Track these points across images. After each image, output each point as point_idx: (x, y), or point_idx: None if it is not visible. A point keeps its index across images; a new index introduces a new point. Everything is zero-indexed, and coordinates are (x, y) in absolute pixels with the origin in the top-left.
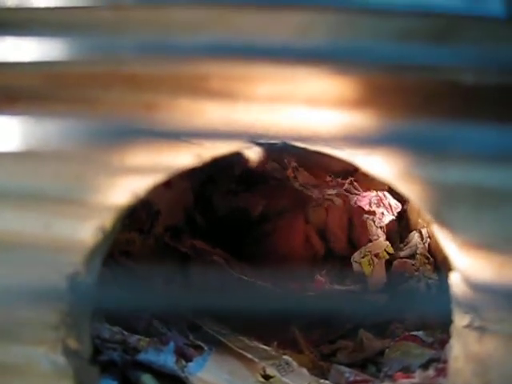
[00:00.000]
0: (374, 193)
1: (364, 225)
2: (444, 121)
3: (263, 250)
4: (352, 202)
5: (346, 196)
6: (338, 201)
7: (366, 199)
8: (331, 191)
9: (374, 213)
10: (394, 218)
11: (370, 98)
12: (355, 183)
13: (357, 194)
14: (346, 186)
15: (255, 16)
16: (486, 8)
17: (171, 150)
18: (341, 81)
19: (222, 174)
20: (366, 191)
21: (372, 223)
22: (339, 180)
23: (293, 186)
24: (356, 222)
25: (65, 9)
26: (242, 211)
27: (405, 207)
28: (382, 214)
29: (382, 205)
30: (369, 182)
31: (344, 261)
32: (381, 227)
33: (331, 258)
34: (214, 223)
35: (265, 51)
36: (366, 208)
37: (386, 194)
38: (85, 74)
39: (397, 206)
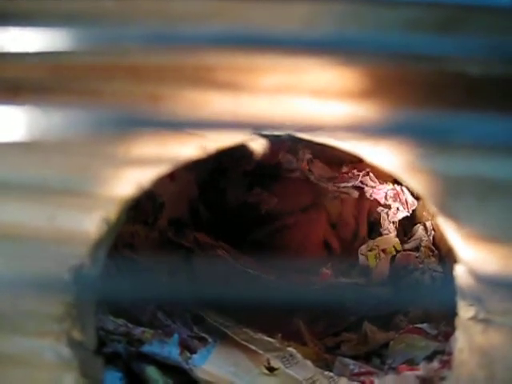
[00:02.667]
0: (390, 186)
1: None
2: (449, 112)
3: (280, 245)
4: (368, 195)
5: (362, 188)
6: (355, 193)
7: (382, 192)
8: (347, 183)
9: (389, 206)
10: (408, 214)
11: (375, 89)
12: (371, 174)
13: (373, 187)
14: (362, 177)
15: (261, 6)
16: None
17: (176, 141)
18: (346, 72)
19: (233, 165)
20: (382, 184)
21: (385, 217)
22: (355, 172)
23: (310, 180)
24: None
25: None
26: (252, 207)
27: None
28: (397, 209)
29: (398, 199)
30: (385, 174)
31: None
32: (393, 222)
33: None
34: (219, 215)
35: (270, 42)
36: (382, 201)
37: (404, 189)
38: (90, 65)
39: (413, 203)
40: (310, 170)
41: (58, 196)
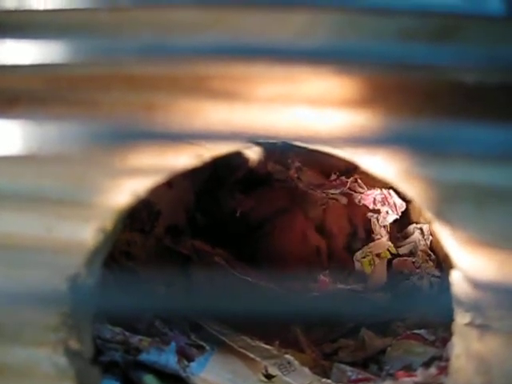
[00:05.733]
0: (378, 191)
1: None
2: (446, 120)
3: (263, 250)
4: (356, 201)
5: (351, 194)
6: (344, 200)
7: (371, 197)
8: (335, 190)
9: (378, 211)
10: (397, 217)
11: (371, 98)
12: (359, 181)
13: (361, 193)
14: (350, 184)
15: (256, 16)
16: (487, 7)
17: (172, 151)
18: (342, 81)
19: (229, 172)
20: (370, 189)
21: (376, 222)
22: (343, 178)
23: (291, 185)
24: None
25: (64, 11)
26: (241, 216)
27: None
28: (387, 212)
29: (386, 203)
30: (373, 180)
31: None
32: (384, 226)
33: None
34: (215, 222)
35: (266, 51)
36: (371, 206)
37: (391, 192)
38: (85, 76)
39: (402, 205)
40: (298, 178)
41: (55, 206)
